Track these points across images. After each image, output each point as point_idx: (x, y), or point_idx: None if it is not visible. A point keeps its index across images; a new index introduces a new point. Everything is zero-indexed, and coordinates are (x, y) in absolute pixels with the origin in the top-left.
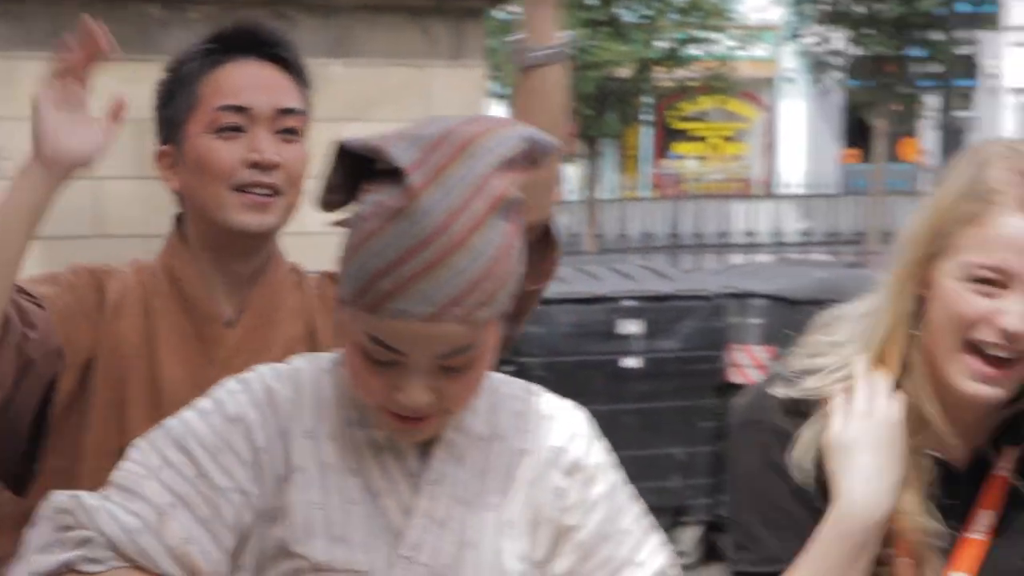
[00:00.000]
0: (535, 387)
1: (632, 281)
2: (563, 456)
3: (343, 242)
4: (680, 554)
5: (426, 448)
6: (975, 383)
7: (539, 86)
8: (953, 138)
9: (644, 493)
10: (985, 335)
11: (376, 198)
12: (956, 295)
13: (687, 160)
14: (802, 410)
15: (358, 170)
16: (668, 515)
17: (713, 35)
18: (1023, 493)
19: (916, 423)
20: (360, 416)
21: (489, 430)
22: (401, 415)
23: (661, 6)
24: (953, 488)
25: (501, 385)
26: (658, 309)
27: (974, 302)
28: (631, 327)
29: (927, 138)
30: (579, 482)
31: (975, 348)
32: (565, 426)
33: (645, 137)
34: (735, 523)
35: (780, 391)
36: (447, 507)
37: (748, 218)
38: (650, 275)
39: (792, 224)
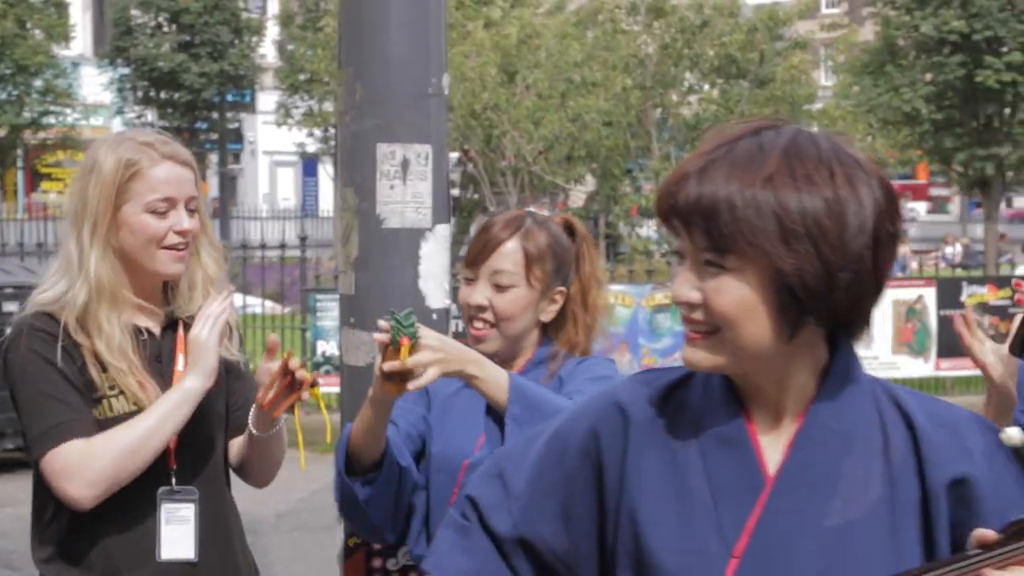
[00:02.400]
0: None
1: (9, 275)
2: None
3: None
4: None
5: None
6: (170, 264)
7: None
8: (229, 183)
9: None
10: (173, 239)
11: None
12: (144, 222)
13: (51, 194)
14: (49, 313)
15: None
16: None
17: (63, 110)
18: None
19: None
20: None
21: None
22: None
23: (25, 88)
24: (155, 345)
25: None
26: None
27: (157, 223)
28: (10, 307)
29: (211, 183)
30: None
31: (169, 247)
32: None
33: (20, 178)
34: (21, 400)
35: (30, 309)
36: None
37: None
38: (23, 271)
39: None
